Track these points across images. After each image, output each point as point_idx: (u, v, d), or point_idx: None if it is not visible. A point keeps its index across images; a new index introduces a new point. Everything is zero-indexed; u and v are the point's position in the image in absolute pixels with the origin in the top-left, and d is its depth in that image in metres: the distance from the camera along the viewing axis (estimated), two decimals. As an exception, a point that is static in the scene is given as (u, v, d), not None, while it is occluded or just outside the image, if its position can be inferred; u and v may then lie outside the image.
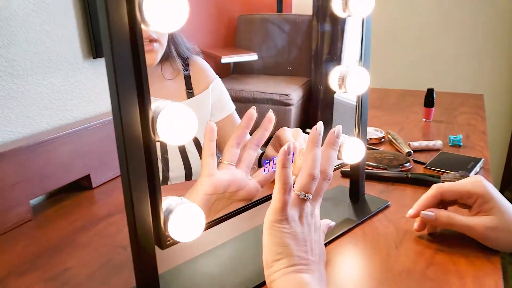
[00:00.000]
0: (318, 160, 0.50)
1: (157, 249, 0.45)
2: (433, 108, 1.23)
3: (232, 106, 0.93)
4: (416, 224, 0.63)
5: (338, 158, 0.67)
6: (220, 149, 0.94)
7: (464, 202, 0.60)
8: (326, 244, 0.60)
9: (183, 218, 0.44)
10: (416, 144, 1.01)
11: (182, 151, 0.84)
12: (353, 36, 0.65)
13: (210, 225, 0.51)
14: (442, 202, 0.62)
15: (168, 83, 0.86)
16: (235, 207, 0.56)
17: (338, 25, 0.85)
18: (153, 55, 0.74)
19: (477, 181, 0.59)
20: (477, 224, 0.56)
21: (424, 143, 1.01)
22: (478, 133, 1.11)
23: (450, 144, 1.02)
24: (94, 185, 0.84)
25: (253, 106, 0.61)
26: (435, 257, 0.57)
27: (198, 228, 0.45)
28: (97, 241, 0.65)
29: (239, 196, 0.56)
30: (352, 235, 0.64)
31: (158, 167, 0.42)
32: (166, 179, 0.84)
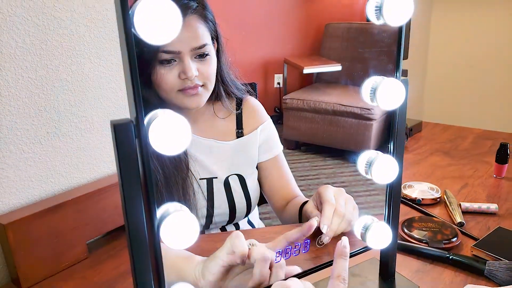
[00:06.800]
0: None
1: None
2: (507, 164, 1.12)
3: (278, 148, 0.93)
4: None
5: (363, 240, 0.66)
6: (261, 187, 0.96)
7: None
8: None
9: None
10: (467, 205, 0.94)
11: (227, 188, 0.87)
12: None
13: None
14: None
15: (220, 122, 0.88)
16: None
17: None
18: (198, 98, 0.77)
19: None
20: None
21: (476, 205, 0.93)
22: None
23: (517, 214, 0.92)
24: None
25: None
26: None
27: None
28: (131, 292, 0.72)
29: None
30: (369, 324, 0.63)
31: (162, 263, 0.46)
32: (210, 214, 0.88)
